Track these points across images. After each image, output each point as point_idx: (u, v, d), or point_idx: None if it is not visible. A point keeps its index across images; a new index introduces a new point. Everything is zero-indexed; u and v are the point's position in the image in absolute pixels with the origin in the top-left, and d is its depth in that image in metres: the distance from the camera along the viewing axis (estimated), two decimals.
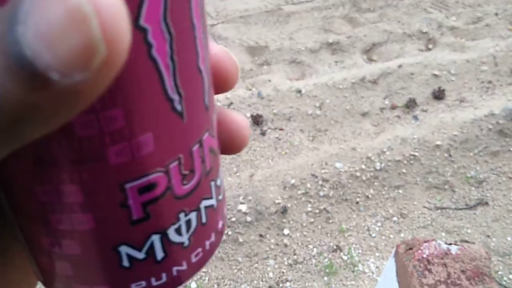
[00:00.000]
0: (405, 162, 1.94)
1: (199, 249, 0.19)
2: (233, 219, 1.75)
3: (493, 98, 2.26)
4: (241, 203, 1.79)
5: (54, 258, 0.17)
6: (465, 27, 2.90)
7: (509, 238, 1.70)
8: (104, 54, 0.11)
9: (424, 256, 0.94)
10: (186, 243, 0.18)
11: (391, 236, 1.75)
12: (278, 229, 1.75)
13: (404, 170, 1.92)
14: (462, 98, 2.30)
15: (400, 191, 1.88)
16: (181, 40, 0.15)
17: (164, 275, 0.18)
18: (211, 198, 0.19)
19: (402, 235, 1.75)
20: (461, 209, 1.82)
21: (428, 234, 1.73)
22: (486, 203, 1.83)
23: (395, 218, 1.81)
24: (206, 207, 0.19)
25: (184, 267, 0.18)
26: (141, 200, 0.16)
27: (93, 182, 0.15)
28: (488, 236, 1.71)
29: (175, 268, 0.18)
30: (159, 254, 0.17)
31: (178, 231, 0.17)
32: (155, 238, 0.17)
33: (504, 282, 1.55)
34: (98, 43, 0.11)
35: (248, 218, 1.75)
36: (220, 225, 0.21)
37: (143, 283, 0.17)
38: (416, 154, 1.95)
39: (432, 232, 1.74)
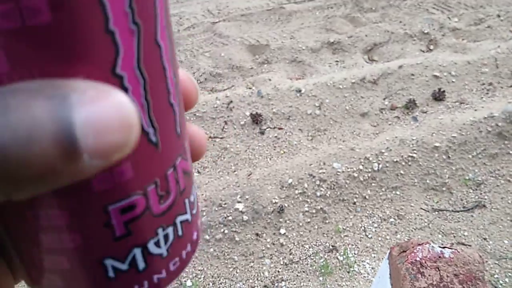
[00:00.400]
0: (403, 163, 1.93)
1: (177, 258, 0.22)
2: (230, 217, 1.75)
3: (493, 100, 2.26)
4: (238, 202, 1.79)
5: (46, 272, 0.19)
6: (467, 28, 2.89)
7: (506, 241, 1.70)
8: (127, 153, 0.14)
9: (417, 259, 0.94)
10: (165, 254, 0.21)
11: (388, 237, 1.75)
12: (274, 229, 1.75)
13: (402, 171, 1.92)
14: (462, 100, 2.29)
15: (398, 193, 1.88)
16: (154, 82, 0.17)
17: (146, 283, 0.20)
18: (186, 213, 0.22)
19: (398, 236, 1.75)
20: (458, 212, 1.82)
21: (424, 236, 1.73)
22: (484, 206, 1.83)
23: (392, 220, 1.80)
24: (181, 222, 0.22)
25: (164, 275, 0.21)
26: (123, 219, 0.18)
27: (80, 207, 0.17)
28: (485, 239, 1.71)
29: (155, 276, 0.21)
30: (141, 265, 0.20)
31: (157, 244, 0.20)
32: (137, 251, 0.19)
33: (500, 286, 1.55)
34: (129, 145, 0.14)
35: (245, 217, 1.75)
36: (194, 236, 0.24)
37: None
38: (415, 155, 1.95)
39: (429, 234, 1.74)
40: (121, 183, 0.17)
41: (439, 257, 0.93)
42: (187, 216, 0.22)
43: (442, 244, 0.97)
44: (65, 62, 0.14)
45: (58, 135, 0.12)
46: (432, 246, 0.95)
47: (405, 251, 0.98)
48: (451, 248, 0.95)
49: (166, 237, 0.20)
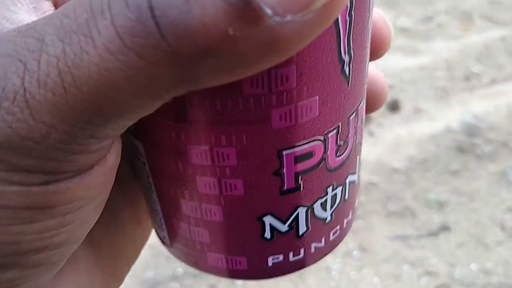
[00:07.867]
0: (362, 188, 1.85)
1: (338, 227, 0.19)
2: (181, 270, 1.63)
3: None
4: None
5: (192, 224, 0.17)
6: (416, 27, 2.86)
7: (473, 266, 1.66)
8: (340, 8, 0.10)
9: None
10: (328, 219, 0.18)
11: (353, 275, 1.66)
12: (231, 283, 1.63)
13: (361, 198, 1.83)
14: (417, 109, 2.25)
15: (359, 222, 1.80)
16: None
17: (302, 251, 0.18)
18: (355, 173, 0.19)
19: (364, 271, 1.67)
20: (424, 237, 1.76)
21: (391, 268, 1.67)
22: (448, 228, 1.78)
23: (355, 252, 1.72)
24: (350, 182, 0.19)
25: (322, 244, 0.19)
26: (295, 170, 0.16)
27: (251, 146, 0.15)
28: (452, 265, 1.67)
29: (313, 245, 0.18)
30: (302, 229, 0.18)
31: (323, 206, 0.18)
32: (301, 211, 0.17)
33: None
34: None
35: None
36: (356, 203, 0.21)
37: (280, 257, 0.18)
38: (374, 180, 1.87)
39: (396, 266, 1.67)
40: (304, 122, 0.14)
41: None
42: (355, 177, 0.19)
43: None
44: None
45: None
46: None
47: None
48: None
49: (333, 198, 0.18)
